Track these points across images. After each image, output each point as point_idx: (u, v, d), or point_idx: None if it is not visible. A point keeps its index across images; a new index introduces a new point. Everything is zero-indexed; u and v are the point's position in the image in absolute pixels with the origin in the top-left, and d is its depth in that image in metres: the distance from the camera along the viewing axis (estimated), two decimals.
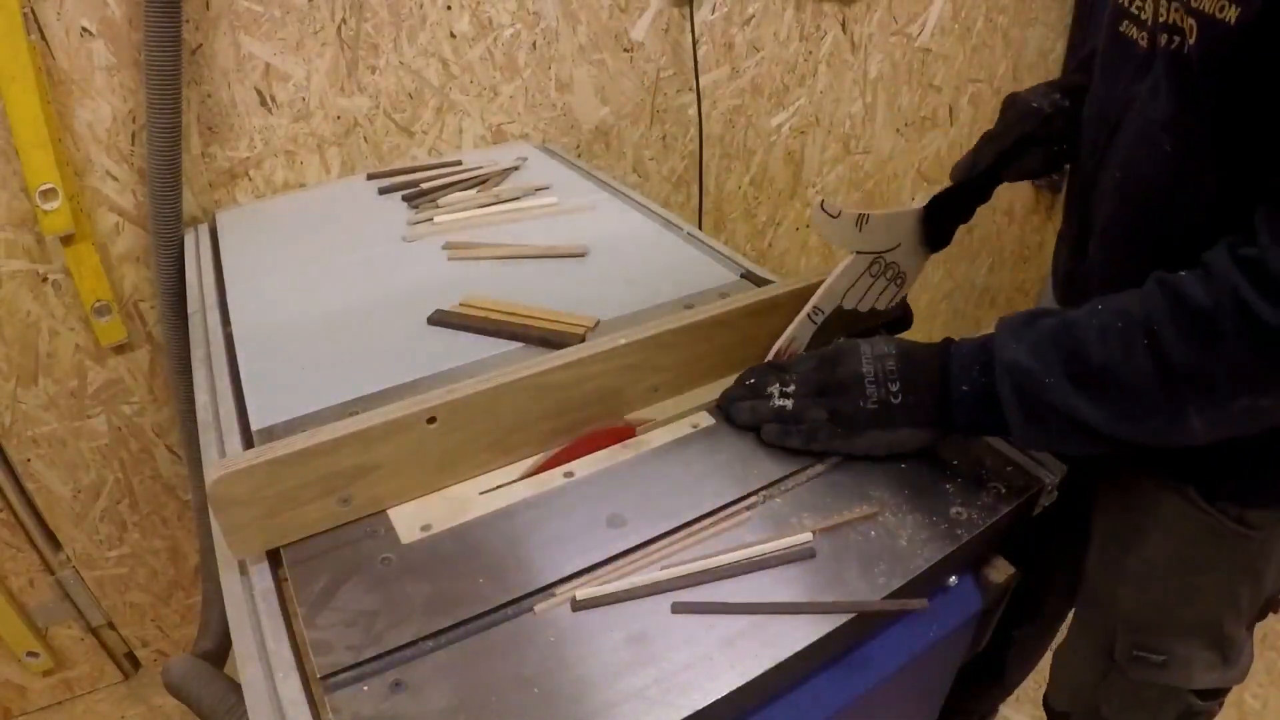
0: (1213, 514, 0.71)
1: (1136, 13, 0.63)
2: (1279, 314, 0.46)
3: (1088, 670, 0.86)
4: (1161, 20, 0.59)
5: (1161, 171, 0.60)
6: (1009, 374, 0.55)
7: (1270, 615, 0.81)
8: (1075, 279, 0.75)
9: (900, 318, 0.81)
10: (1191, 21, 0.54)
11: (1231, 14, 0.50)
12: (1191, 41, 0.54)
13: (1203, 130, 0.56)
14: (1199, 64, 0.55)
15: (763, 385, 0.66)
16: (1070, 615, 1.07)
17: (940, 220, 0.74)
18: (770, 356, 0.71)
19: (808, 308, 0.69)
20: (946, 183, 0.78)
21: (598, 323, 0.76)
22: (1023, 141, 0.75)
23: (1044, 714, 0.99)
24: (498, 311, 0.77)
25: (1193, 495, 0.71)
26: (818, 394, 0.63)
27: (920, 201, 0.73)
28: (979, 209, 0.78)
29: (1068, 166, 0.79)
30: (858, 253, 0.69)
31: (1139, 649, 0.80)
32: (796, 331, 0.70)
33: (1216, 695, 0.83)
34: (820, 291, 0.69)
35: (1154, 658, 0.79)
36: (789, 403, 0.64)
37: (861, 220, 0.67)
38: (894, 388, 0.60)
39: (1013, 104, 0.78)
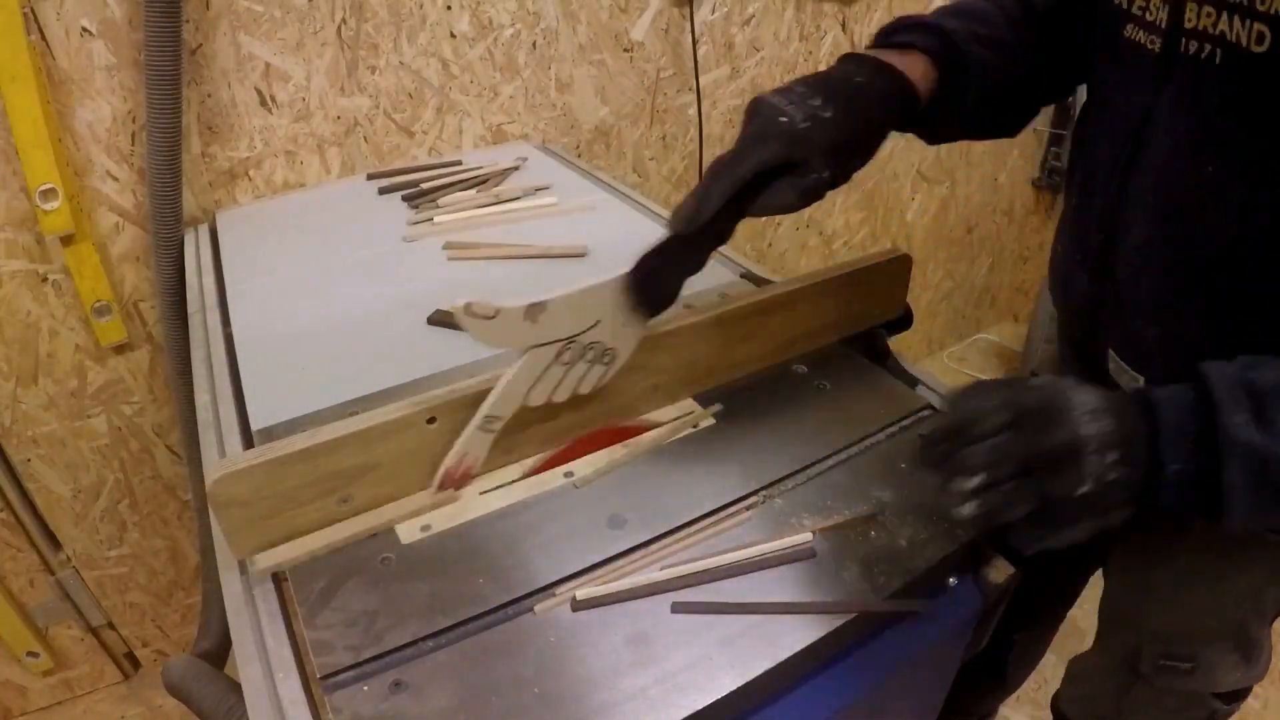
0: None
1: (1140, 14, 0.59)
2: None
3: (1109, 683, 0.85)
4: (1189, 26, 0.54)
5: (1204, 192, 0.55)
6: (1249, 462, 0.44)
7: None
8: (1104, 305, 0.68)
9: (901, 318, 0.81)
10: (1260, 27, 0.49)
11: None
12: (1261, 49, 0.49)
13: (1250, 146, 0.52)
14: (1271, 73, 0.49)
15: (949, 473, 0.48)
16: (1069, 617, 1.07)
17: (656, 281, 0.60)
18: (437, 480, 0.59)
19: (478, 418, 0.57)
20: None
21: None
22: (766, 172, 0.55)
23: (1044, 714, 0.99)
24: None
25: None
26: (1022, 473, 0.46)
27: (625, 265, 0.58)
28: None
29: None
30: (536, 347, 0.56)
31: (1165, 659, 0.78)
32: (468, 446, 0.58)
33: (1239, 696, 0.83)
34: (491, 398, 0.57)
35: (1181, 665, 0.77)
36: (981, 499, 0.46)
37: (534, 311, 0.54)
38: (1111, 459, 0.45)
39: (755, 112, 0.58)
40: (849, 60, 0.62)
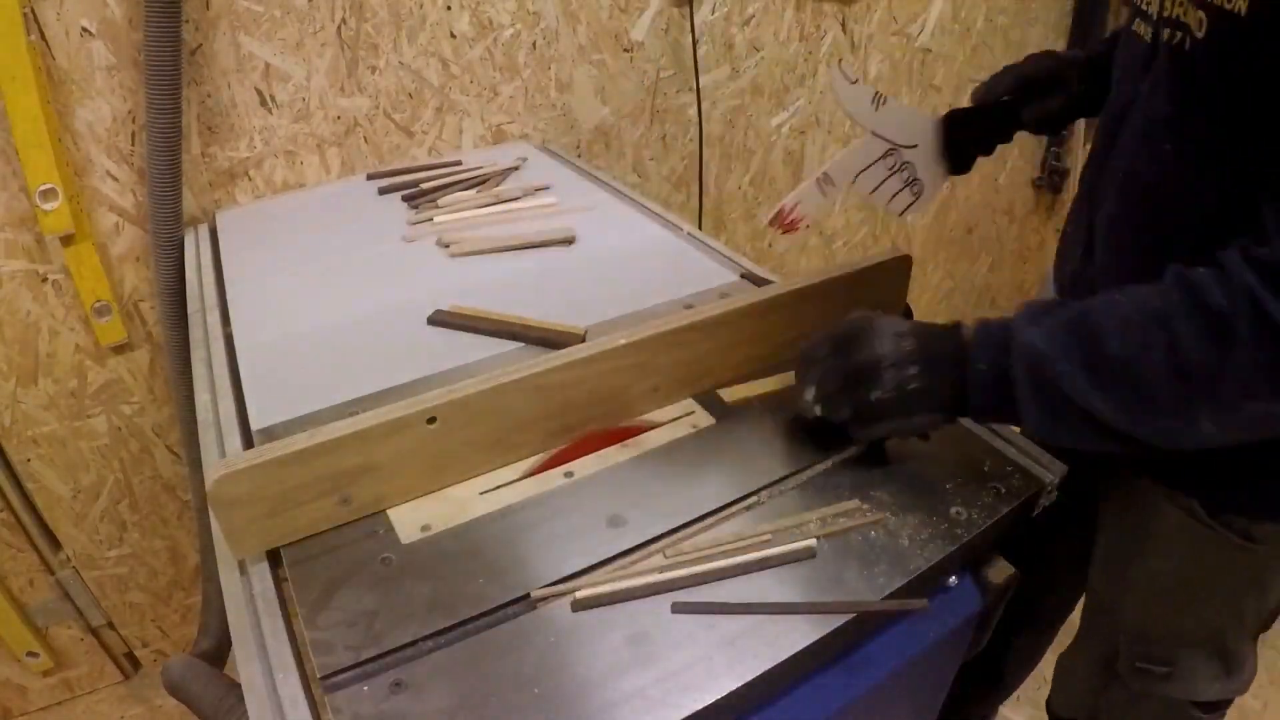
0: (1217, 529, 0.69)
1: (1144, 6, 0.62)
2: None
3: (1090, 680, 0.85)
4: (1166, 15, 0.58)
5: (1162, 170, 0.60)
6: (1025, 356, 0.53)
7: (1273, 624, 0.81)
8: (1082, 280, 0.74)
9: (901, 317, 0.81)
10: (1200, 14, 0.53)
11: (1242, 4, 0.50)
12: (1200, 35, 0.54)
13: (1204, 128, 0.56)
14: (1205, 58, 0.54)
15: (800, 389, 0.63)
16: (1069, 618, 1.07)
17: (959, 139, 0.73)
18: (771, 214, 0.70)
19: (819, 173, 0.69)
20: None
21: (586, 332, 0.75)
22: (1043, 76, 0.75)
23: (1043, 715, 0.99)
24: (497, 312, 0.77)
25: (1197, 511, 0.70)
26: (841, 391, 0.60)
27: (937, 121, 0.73)
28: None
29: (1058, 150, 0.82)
30: (873, 134, 0.69)
31: (1142, 660, 0.79)
32: (803, 195, 0.69)
33: (1219, 707, 0.83)
34: (833, 160, 0.69)
35: (1157, 669, 0.78)
36: (818, 408, 0.62)
37: (879, 99, 0.66)
38: (911, 371, 0.57)
39: (1032, 54, 0.80)
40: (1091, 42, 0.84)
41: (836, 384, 0.60)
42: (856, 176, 0.69)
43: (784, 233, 0.66)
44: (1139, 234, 0.65)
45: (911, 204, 0.73)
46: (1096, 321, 0.52)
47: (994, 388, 0.55)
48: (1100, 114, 0.73)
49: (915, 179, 0.71)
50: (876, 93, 0.66)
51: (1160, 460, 0.63)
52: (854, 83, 0.64)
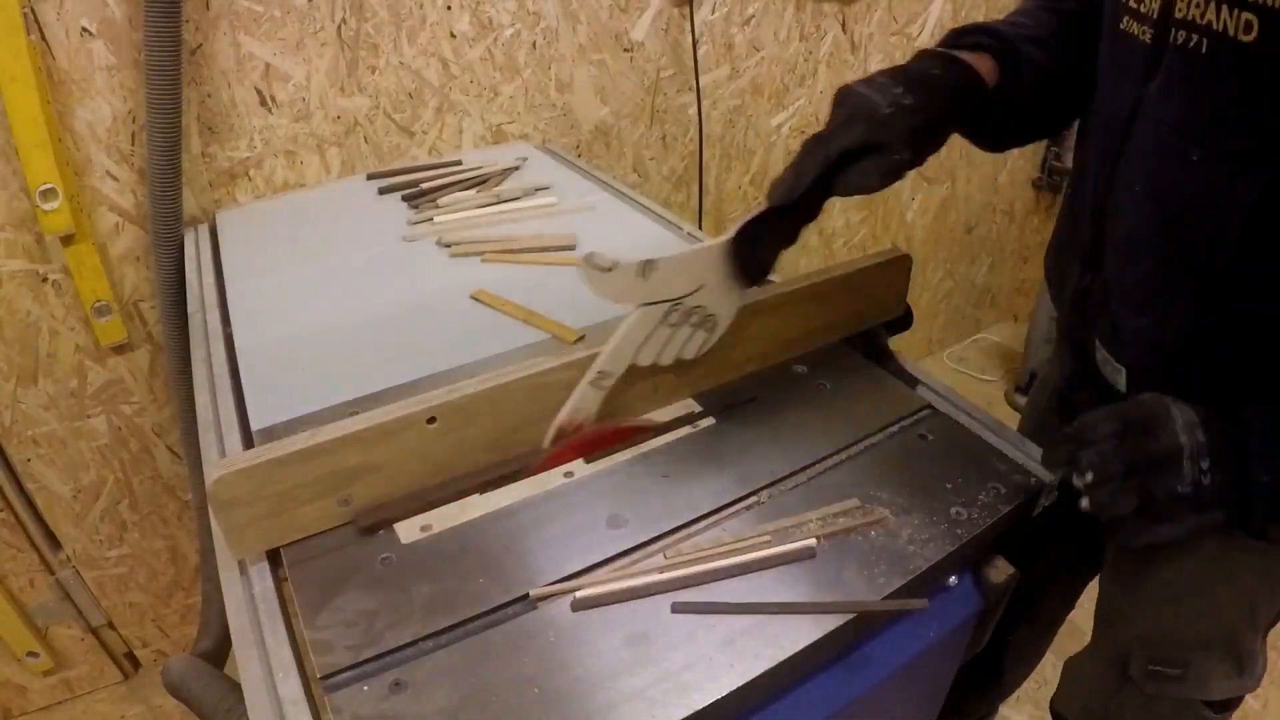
0: (1230, 532, 0.69)
1: (1135, 6, 0.60)
2: None
3: (1101, 684, 0.85)
4: (1178, 16, 0.55)
5: (1189, 180, 0.57)
6: None
7: None
8: (1092, 296, 0.70)
9: (901, 318, 0.81)
10: (1248, 16, 0.51)
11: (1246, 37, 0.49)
12: (1248, 37, 0.51)
13: (1241, 136, 0.53)
14: (1256, 62, 0.51)
15: (1069, 468, 0.56)
16: (1068, 619, 1.07)
17: (756, 250, 0.63)
18: (549, 436, 0.63)
19: (590, 374, 0.61)
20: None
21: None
22: (853, 150, 0.60)
23: (1043, 714, 0.99)
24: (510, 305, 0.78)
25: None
26: (1125, 474, 0.53)
27: (729, 232, 0.62)
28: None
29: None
30: (646, 305, 0.60)
31: (1155, 664, 0.78)
32: (580, 402, 0.62)
33: (1230, 705, 0.82)
34: (605, 354, 0.61)
35: (1171, 671, 0.78)
36: (1091, 493, 0.54)
37: (647, 268, 0.58)
38: (1205, 465, 0.52)
39: (843, 99, 0.63)
40: (925, 55, 0.66)
41: (1119, 466, 0.53)
42: (637, 353, 0.62)
43: (569, 450, 0.59)
44: (1165, 246, 0.61)
45: (705, 340, 0.65)
46: None
47: None
48: (1082, 120, 0.70)
49: (707, 315, 0.64)
50: (642, 264, 0.58)
51: None
52: (608, 270, 0.56)
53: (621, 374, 0.62)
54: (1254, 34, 0.50)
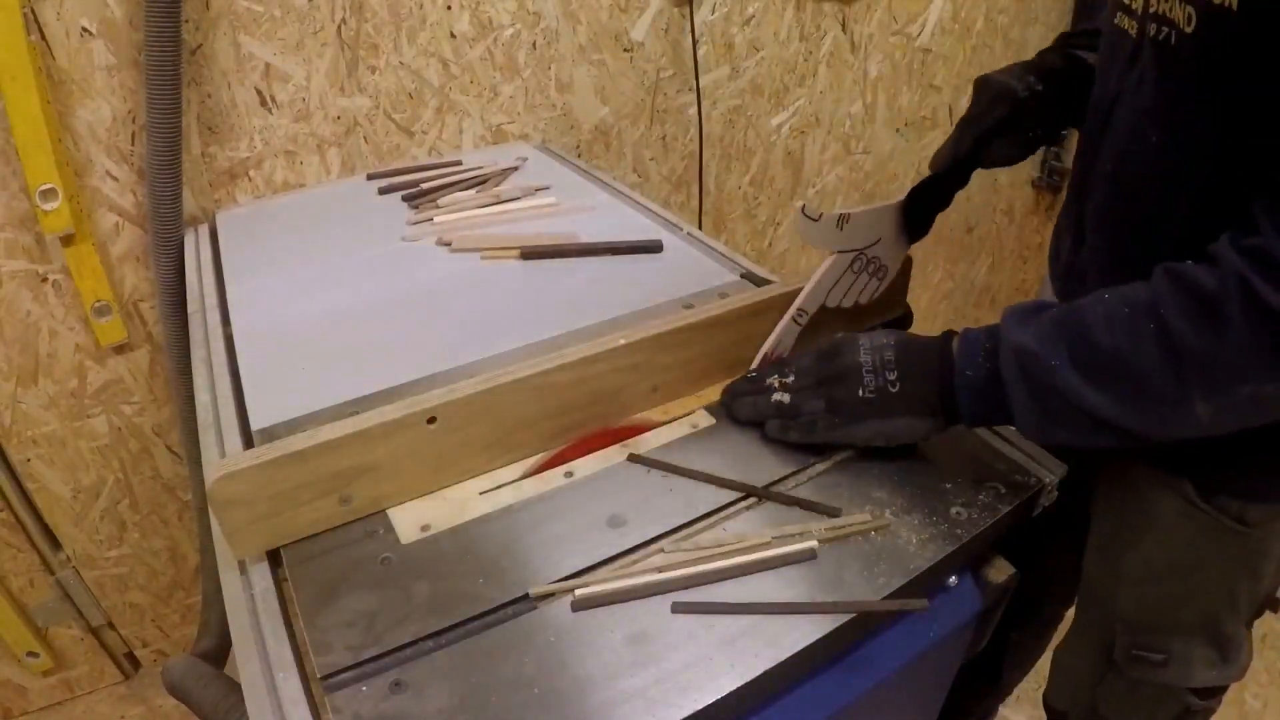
0: (1211, 513, 0.70)
1: (1129, 3, 0.63)
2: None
3: (1086, 670, 0.86)
4: (1151, 10, 0.59)
5: (1150, 161, 0.61)
6: (1015, 357, 0.55)
7: (1269, 614, 0.81)
8: (1075, 271, 0.75)
9: (901, 318, 0.81)
10: (1190, 9, 0.54)
11: (1234, 1, 0.50)
12: (1189, 30, 0.55)
13: (1191, 121, 0.57)
14: (1193, 53, 0.55)
15: (763, 379, 0.67)
16: (1067, 617, 1.07)
17: (920, 211, 0.74)
18: (757, 361, 0.72)
19: (792, 310, 0.70)
20: None
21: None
22: (999, 126, 0.73)
23: (1043, 714, 0.99)
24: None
25: (1191, 494, 0.71)
26: (816, 385, 0.64)
27: (900, 195, 0.73)
28: (960, 195, 0.78)
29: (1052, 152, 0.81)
30: (840, 252, 0.69)
31: (1138, 648, 0.80)
32: (782, 335, 0.71)
33: (1214, 694, 0.83)
34: (804, 293, 0.70)
35: (1153, 657, 0.79)
36: (787, 396, 0.65)
37: (843, 220, 0.67)
38: (891, 376, 0.61)
39: (986, 86, 0.75)
40: (1048, 52, 0.79)
41: (810, 380, 0.64)
42: (828, 294, 0.71)
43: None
44: (1127, 223, 0.66)
45: (878, 288, 0.74)
46: (1083, 318, 0.54)
47: (985, 392, 0.57)
48: (1086, 111, 0.74)
49: (880, 266, 0.73)
50: (840, 216, 0.67)
51: (1154, 446, 0.64)
52: (816, 220, 0.66)
53: (815, 311, 0.71)
54: (1193, 26, 0.54)
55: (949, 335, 0.62)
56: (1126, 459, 0.76)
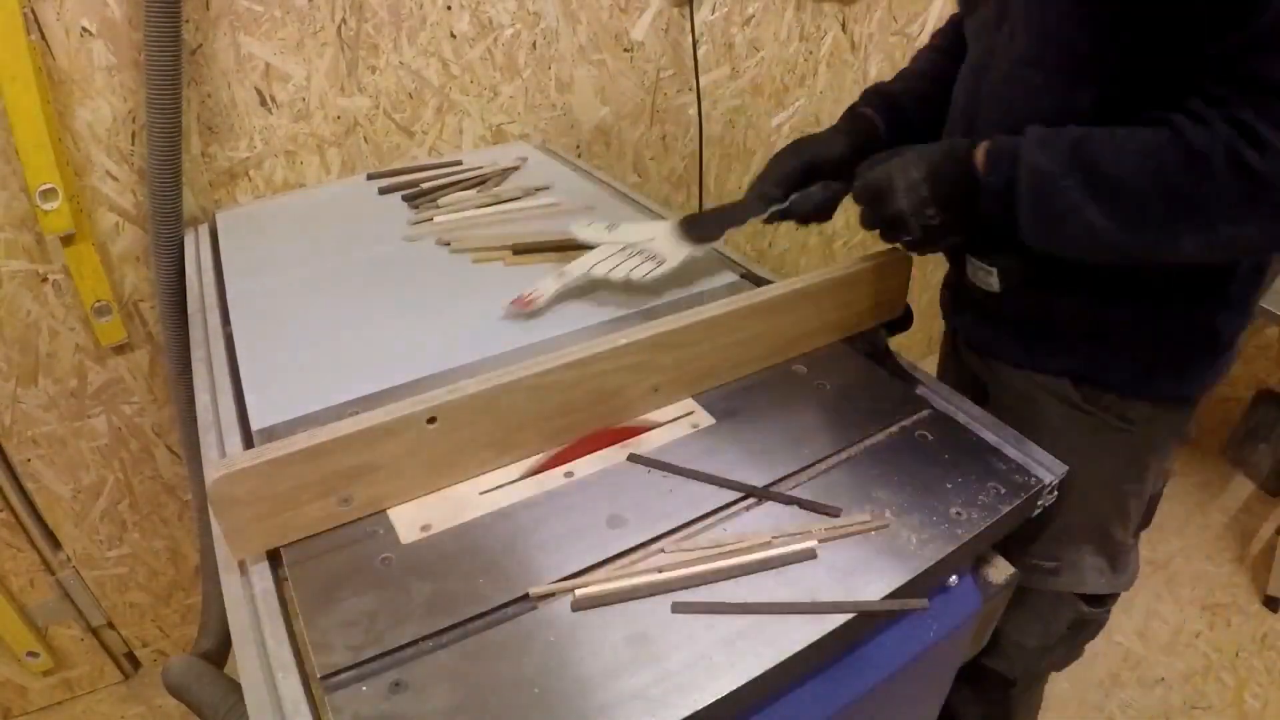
0: (1095, 413, 0.77)
1: None
2: (1264, 162, 0.54)
3: None
4: None
5: (1035, 100, 0.69)
6: (1031, 173, 0.63)
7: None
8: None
9: (901, 318, 0.82)
10: None
11: None
12: None
13: (1061, 57, 0.66)
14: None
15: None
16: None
17: (699, 226, 0.81)
18: (511, 301, 0.77)
19: (559, 270, 0.79)
20: None
21: None
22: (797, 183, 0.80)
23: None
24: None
25: (1073, 396, 0.76)
26: (875, 222, 0.72)
27: (674, 217, 0.83)
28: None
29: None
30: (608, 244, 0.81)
31: (1033, 557, 0.84)
32: (543, 285, 0.78)
33: (1104, 602, 0.89)
34: (574, 262, 0.79)
35: (1046, 564, 0.85)
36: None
37: (612, 227, 0.83)
38: (930, 212, 0.67)
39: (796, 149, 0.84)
40: (845, 114, 0.89)
41: (870, 222, 0.72)
42: (594, 267, 0.79)
43: (524, 308, 0.76)
44: None
45: (654, 269, 0.79)
46: (1096, 146, 0.61)
47: (1000, 196, 0.65)
48: (956, 83, 0.81)
49: (655, 255, 0.80)
50: (609, 224, 0.83)
51: (1034, 338, 0.76)
52: (589, 225, 0.83)
53: (575, 277, 0.79)
54: None
55: (971, 148, 0.67)
56: (1013, 366, 0.82)
